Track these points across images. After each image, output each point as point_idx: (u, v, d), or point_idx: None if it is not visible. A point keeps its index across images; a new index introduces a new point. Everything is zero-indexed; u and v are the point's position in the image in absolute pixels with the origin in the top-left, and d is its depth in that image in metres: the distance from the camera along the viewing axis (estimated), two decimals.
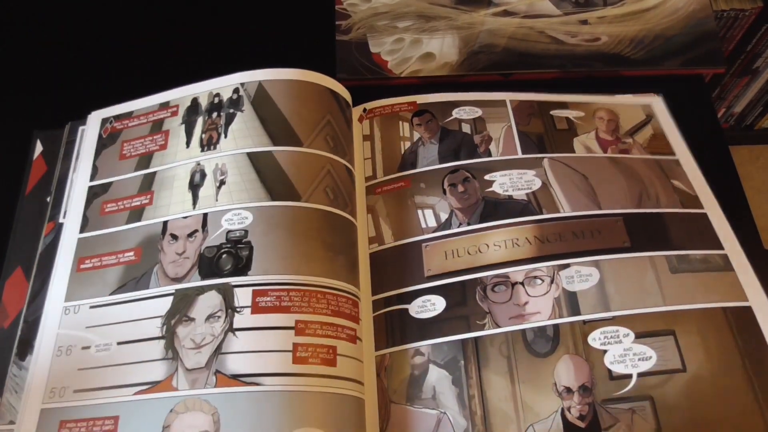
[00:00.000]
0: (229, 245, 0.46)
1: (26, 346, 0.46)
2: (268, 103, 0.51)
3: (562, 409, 0.42)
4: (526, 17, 0.61)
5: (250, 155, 0.49)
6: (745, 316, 0.45)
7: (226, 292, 0.44)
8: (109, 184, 0.52)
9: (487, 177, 0.52)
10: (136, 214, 0.49)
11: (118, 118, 0.56)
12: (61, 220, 0.52)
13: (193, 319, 0.44)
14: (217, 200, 0.48)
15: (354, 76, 0.59)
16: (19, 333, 0.47)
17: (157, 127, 0.54)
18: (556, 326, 0.45)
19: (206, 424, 0.40)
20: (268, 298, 0.44)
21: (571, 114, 0.56)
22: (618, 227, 0.49)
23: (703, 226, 0.49)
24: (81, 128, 0.56)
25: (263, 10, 0.66)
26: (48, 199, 0.53)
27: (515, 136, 0.54)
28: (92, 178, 0.53)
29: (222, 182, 0.49)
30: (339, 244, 0.47)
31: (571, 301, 0.46)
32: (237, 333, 0.43)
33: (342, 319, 0.45)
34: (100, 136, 0.55)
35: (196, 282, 0.45)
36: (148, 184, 0.51)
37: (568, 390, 0.43)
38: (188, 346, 0.43)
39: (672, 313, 0.45)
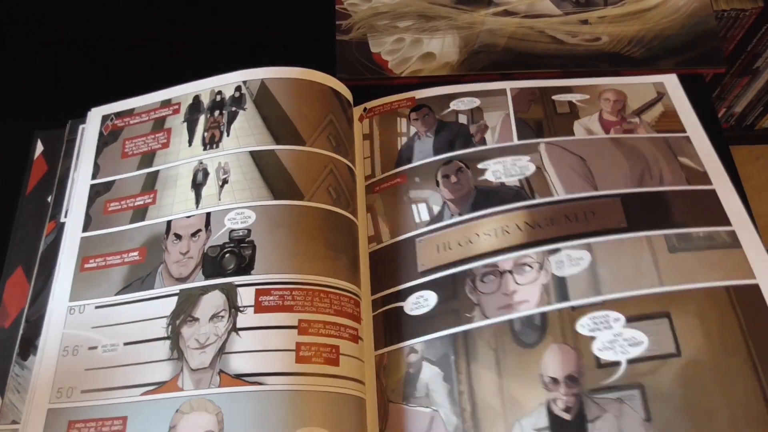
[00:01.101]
0: (232, 245, 0.46)
1: (28, 346, 0.46)
2: (270, 101, 0.51)
3: (548, 402, 0.41)
4: (526, 17, 0.61)
5: (252, 154, 0.49)
6: (752, 294, 0.42)
7: (230, 292, 0.44)
8: (112, 182, 0.52)
9: (480, 165, 0.51)
10: (140, 213, 0.49)
11: (119, 115, 0.55)
12: (62, 219, 0.51)
13: (197, 319, 0.44)
14: (220, 199, 0.48)
15: (354, 76, 0.59)
16: (20, 333, 0.47)
17: (159, 125, 0.54)
18: (543, 314, 0.43)
19: (211, 423, 0.40)
20: (271, 298, 0.43)
21: (574, 98, 0.55)
22: (615, 208, 0.46)
23: (710, 203, 0.47)
24: (81, 126, 0.56)
25: (263, 10, 0.66)
26: (49, 199, 0.53)
27: (512, 123, 0.53)
28: (94, 176, 0.52)
29: (225, 181, 0.49)
30: (341, 244, 0.47)
31: (559, 287, 0.44)
32: (240, 332, 0.43)
33: (344, 318, 0.45)
34: (101, 133, 0.55)
35: (200, 282, 0.45)
36: (151, 183, 0.51)
37: (554, 381, 0.41)
38: (193, 346, 0.43)
39: (668, 294, 0.42)
